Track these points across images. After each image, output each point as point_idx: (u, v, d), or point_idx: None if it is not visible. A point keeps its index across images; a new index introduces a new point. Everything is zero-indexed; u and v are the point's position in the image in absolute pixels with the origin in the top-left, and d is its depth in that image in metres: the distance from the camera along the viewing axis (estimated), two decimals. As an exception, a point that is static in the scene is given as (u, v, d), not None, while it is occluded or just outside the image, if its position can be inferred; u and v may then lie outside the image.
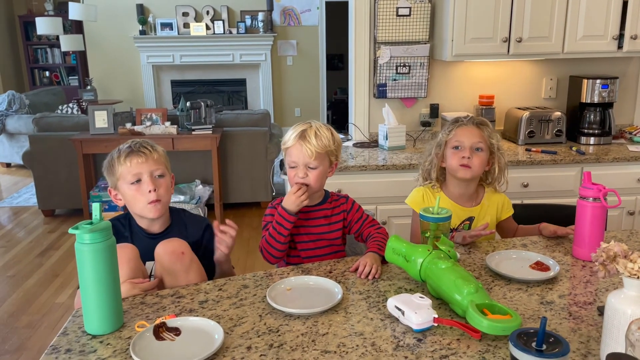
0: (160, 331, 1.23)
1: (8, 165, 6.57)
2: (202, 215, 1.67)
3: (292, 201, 1.67)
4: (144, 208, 1.59)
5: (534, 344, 0.94)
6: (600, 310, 1.31)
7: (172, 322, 1.26)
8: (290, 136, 1.71)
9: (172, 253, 1.50)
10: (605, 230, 1.74)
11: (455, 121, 1.97)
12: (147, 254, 1.56)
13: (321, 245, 1.79)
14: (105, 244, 1.22)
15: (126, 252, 1.47)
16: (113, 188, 1.66)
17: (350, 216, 1.82)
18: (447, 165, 1.94)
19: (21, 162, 5.67)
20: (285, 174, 2.89)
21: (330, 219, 1.80)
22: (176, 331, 1.23)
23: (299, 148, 1.68)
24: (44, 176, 4.60)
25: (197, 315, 1.31)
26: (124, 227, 1.66)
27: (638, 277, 1.04)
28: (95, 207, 1.24)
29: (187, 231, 1.69)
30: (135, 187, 1.59)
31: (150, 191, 1.58)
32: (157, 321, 1.25)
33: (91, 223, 1.22)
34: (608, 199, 1.60)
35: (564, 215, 2.01)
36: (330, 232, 1.80)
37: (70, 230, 1.20)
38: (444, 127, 2.00)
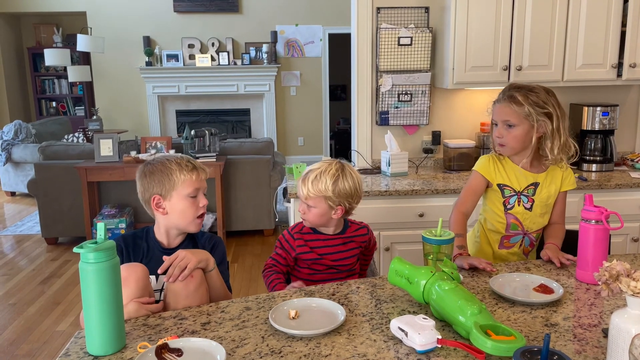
0: (162, 352, 1.22)
1: (13, 194, 6.61)
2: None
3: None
4: (192, 222, 1.66)
5: (538, 362, 0.94)
6: (605, 332, 1.29)
7: (174, 343, 1.25)
8: (301, 174, 1.88)
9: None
10: (609, 255, 1.74)
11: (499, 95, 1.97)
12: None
13: (338, 276, 1.88)
14: (109, 264, 1.23)
15: (136, 271, 1.48)
16: (162, 197, 1.65)
17: (367, 252, 2.01)
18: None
19: (26, 191, 5.71)
20: (288, 201, 2.92)
21: (346, 246, 1.90)
22: (178, 352, 1.23)
23: (300, 186, 1.85)
24: (48, 204, 4.62)
25: (199, 337, 1.31)
26: (141, 239, 1.70)
27: (641, 296, 1.04)
28: (100, 227, 1.25)
29: (198, 246, 1.72)
30: (191, 200, 1.65)
31: (203, 205, 1.66)
32: (159, 342, 1.24)
33: (95, 242, 1.23)
34: (611, 223, 1.60)
35: (566, 240, 2.00)
36: (346, 259, 1.90)
37: (75, 249, 1.21)
38: None
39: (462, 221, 1.96)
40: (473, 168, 2.05)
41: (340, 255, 1.88)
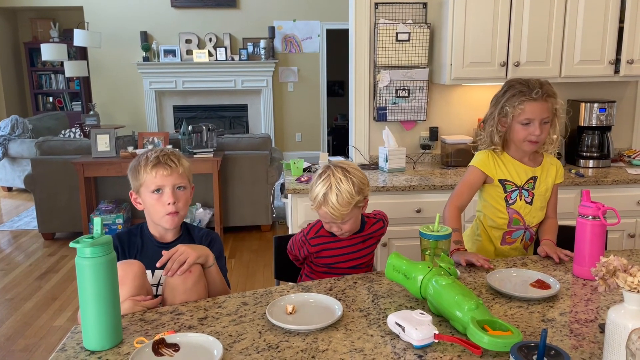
0: (159, 347, 1.22)
1: (9, 189, 6.59)
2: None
3: None
4: (162, 218, 1.63)
5: (534, 357, 0.94)
6: (602, 328, 1.30)
7: (171, 338, 1.25)
8: (315, 197, 1.74)
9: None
10: (606, 250, 1.74)
11: (522, 92, 1.88)
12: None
13: (355, 266, 1.87)
14: (106, 259, 1.23)
15: (132, 269, 1.47)
16: (135, 192, 1.68)
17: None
18: (514, 137, 1.94)
19: (22, 186, 5.69)
20: (286, 197, 2.91)
21: (366, 243, 1.88)
22: (175, 347, 1.23)
23: (324, 212, 1.73)
24: (45, 199, 4.61)
25: (196, 332, 1.31)
26: (136, 236, 1.70)
27: (638, 291, 1.04)
28: (97, 222, 1.25)
29: (194, 241, 1.71)
30: (156, 197, 1.62)
31: (169, 203, 1.61)
32: (156, 337, 1.24)
33: (92, 237, 1.23)
34: (608, 219, 1.60)
35: (563, 235, 2.01)
36: (366, 256, 1.89)
37: (72, 244, 1.21)
38: (507, 95, 1.91)
39: (458, 216, 1.96)
40: (471, 163, 2.03)
41: (361, 254, 1.86)
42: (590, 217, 1.60)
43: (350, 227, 1.78)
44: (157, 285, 1.62)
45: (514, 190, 1.98)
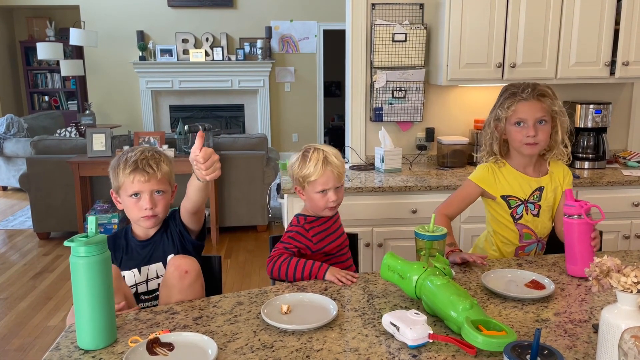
0: (153, 346, 1.22)
1: (4, 188, 6.57)
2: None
3: (334, 278, 1.62)
4: (139, 220, 1.65)
5: (528, 357, 0.94)
6: (596, 328, 1.30)
7: (165, 337, 1.25)
8: (314, 167, 1.72)
9: (176, 268, 1.51)
10: (600, 250, 1.75)
11: (513, 94, 1.86)
12: (142, 261, 1.62)
13: (344, 253, 1.88)
14: (101, 257, 1.22)
15: None
16: (115, 192, 1.69)
17: None
18: (511, 141, 1.90)
19: (18, 186, 5.67)
20: (282, 197, 2.91)
21: (337, 222, 1.90)
22: (169, 346, 1.23)
23: (329, 174, 1.73)
24: (40, 199, 4.59)
25: (191, 331, 1.30)
26: (120, 238, 1.71)
27: (631, 291, 1.04)
28: (91, 221, 1.25)
29: (171, 231, 1.71)
30: (134, 201, 1.63)
31: (146, 209, 1.62)
32: (151, 336, 1.24)
33: (86, 236, 1.23)
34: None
35: (553, 236, 2.02)
36: (343, 235, 1.90)
37: (66, 243, 1.21)
38: (501, 99, 1.90)
39: (447, 222, 1.91)
40: (470, 177, 1.98)
41: (341, 235, 1.86)
42: (576, 216, 1.61)
43: (341, 197, 1.80)
44: (146, 281, 1.63)
45: (519, 205, 1.92)
